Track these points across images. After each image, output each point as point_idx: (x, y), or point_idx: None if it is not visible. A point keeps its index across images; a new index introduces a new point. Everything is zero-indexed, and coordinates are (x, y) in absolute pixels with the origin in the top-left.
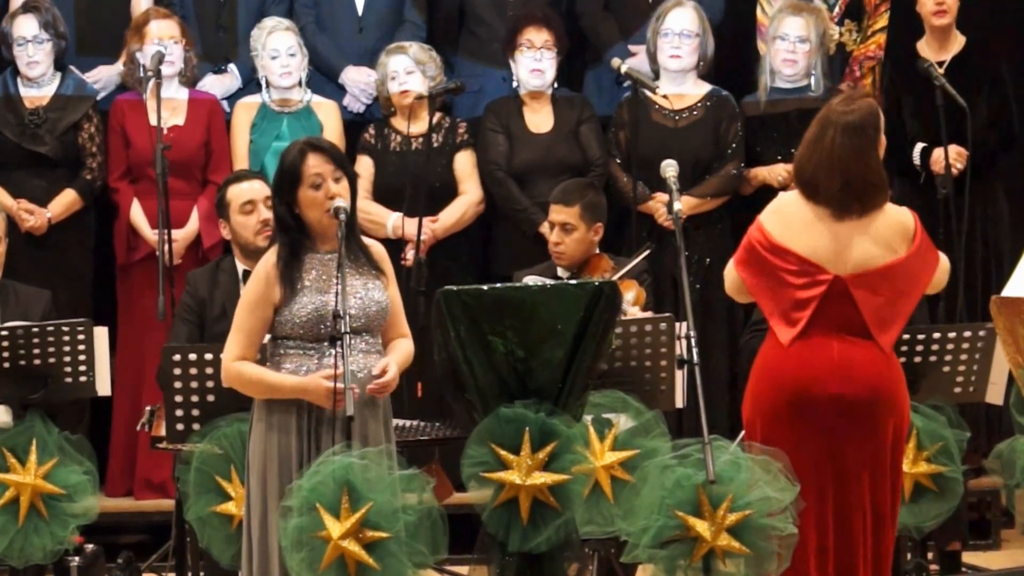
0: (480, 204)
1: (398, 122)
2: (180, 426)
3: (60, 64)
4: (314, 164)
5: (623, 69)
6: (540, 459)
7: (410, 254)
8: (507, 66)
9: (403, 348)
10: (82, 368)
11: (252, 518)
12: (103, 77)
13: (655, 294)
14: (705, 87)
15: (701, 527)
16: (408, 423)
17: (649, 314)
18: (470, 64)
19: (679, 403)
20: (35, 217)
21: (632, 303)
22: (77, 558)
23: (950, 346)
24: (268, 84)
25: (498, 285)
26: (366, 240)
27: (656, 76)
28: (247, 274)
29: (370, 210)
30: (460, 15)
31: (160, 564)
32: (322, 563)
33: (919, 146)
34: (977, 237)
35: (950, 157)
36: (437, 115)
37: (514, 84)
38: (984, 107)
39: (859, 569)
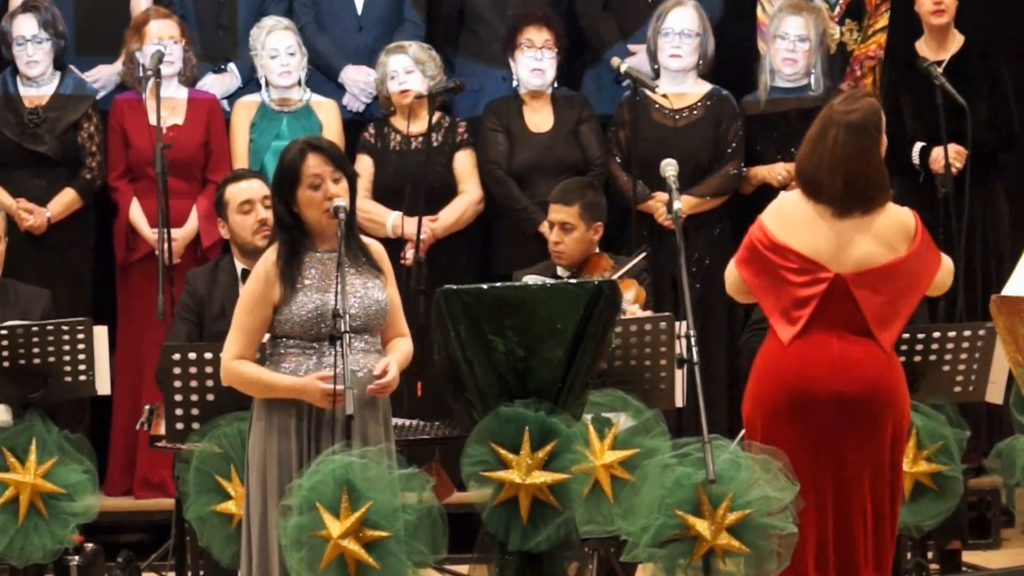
0: (480, 203)
1: (398, 121)
2: (180, 425)
3: (60, 63)
4: (313, 164)
5: (623, 68)
6: (540, 458)
7: (409, 253)
8: (507, 66)
9: (402, 348)
10: (82, 367)
11: (252, 517)
12: (103, 77)
13: (655, 294)
14: (705, 86)
15: (701, 526)
16: (408, 423)
17: (649, 313)
18: (470, 64)
19: (679, 402)
20: (35, 216)
21: (632, 302)
22: (77, 557)
23: (950, 345)
24: (267, 83)
25: (498, 285)
26: (365, 239)
27: (656, 75)
28: (246, 273)
29: (369, 209)
30: (460, 15)
31: (160, 563)
32: (322, 562)
33: (918, 145)
34: (977, 237)
35: (949, 156)
36: (437, 114)
37: (514, 84)
38: (983, 106)
39: (860, 569)
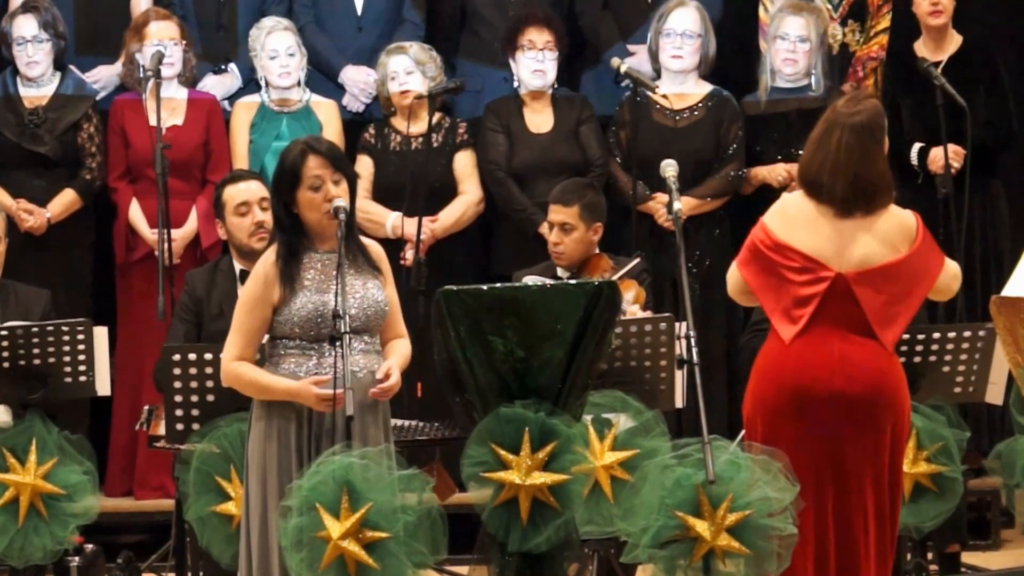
0: (480, 204)
1: (398, 122)
2: (180, 426)
3: (60, 64)
4: (314, 166)
5: (622, 68)
6: (540, 459)
7: (409, 254)
8: (508, 66)
9: (402, 350)
10: (82, 368)
11: (252, 518)
12: (103, 77)
13: (655, 294)
14: (706, 87)
15: (701, 527)
16: (408, 423)
17: (649, 314)
18: (471, 64)
19: (679, 403)
20: (34, 217)
21: (632, 303)
22: (77, 558)
23: (950, 346)
24: (267, 84)
25: (498, 285)
26: (364, 240)
27: (657, 76)
28: (244, 274)
29: (369, 210)
30: (461, 15)
31: (160, 564)
32: (322, 563)
33: (917, 146)
34: (977, 237)
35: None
36: (437, 115)
37: (515, 84)
38: (982, 107)
39: (861, 569)
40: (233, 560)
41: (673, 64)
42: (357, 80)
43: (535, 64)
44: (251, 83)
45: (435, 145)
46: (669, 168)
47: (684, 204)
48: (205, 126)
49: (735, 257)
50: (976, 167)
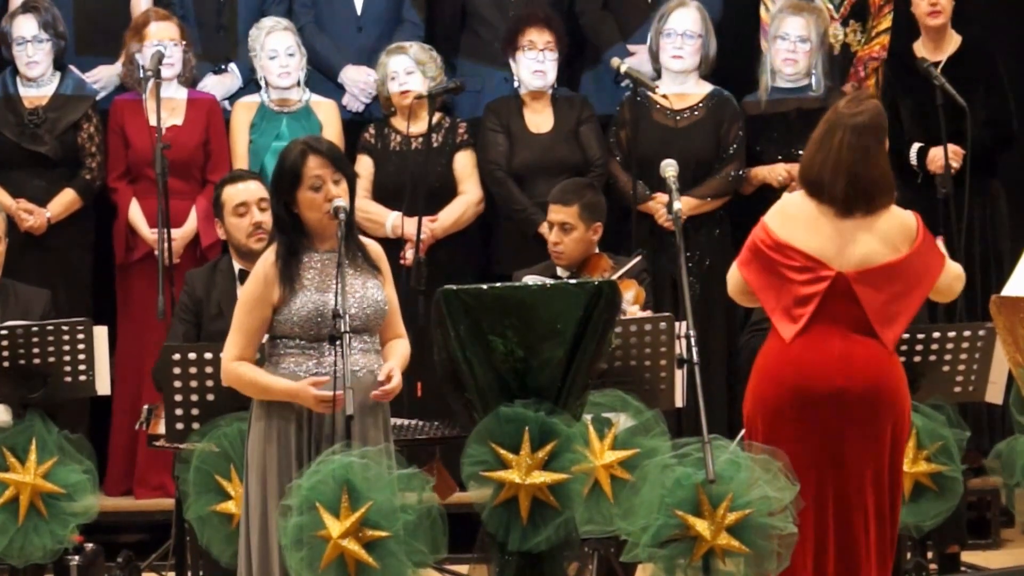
0: (480, 204)
1: (398, 122)
2: (180, 425)
3: (60, 64)
4: (314, 166)
5: (622, 68)
6: (540, 458)
7: (409, 253)
8: (508, 66)
9: (401, 351)
10: (82, 367)
11: (251, 517)
12: (103, 77)
13: (655, 294)
14: (707, 87)
15: (701, 526)
16: (408, 423)
17: (649, 313)
18: (471, 64)
19: (679, 402)
20: (34, 217)
21: (632, 302)
22: (77, 557)
23: (950, 346)
24: (267, 84)
25: (498, 285)
26: (363, 239)
27: (657, 76)
28: (243, 274)
29: (369, 209)
30: (461, 15)
31: (160, 563)
32: (322, 562)
33: (916, 146)
34: (977, 237)
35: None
36: (437, 115)
37: (515, 84)
38: (982, 107)
39: (861, 568)
40: (233, 559)
41: (673, 64)
42: (357, 80)
43: (535, 64)
44: (251, 83)
45: (435, 145)
46: (669, 168)
47: (684, 204)
48: (205, 126)
49: (735, 257)
50: (976, 167)
